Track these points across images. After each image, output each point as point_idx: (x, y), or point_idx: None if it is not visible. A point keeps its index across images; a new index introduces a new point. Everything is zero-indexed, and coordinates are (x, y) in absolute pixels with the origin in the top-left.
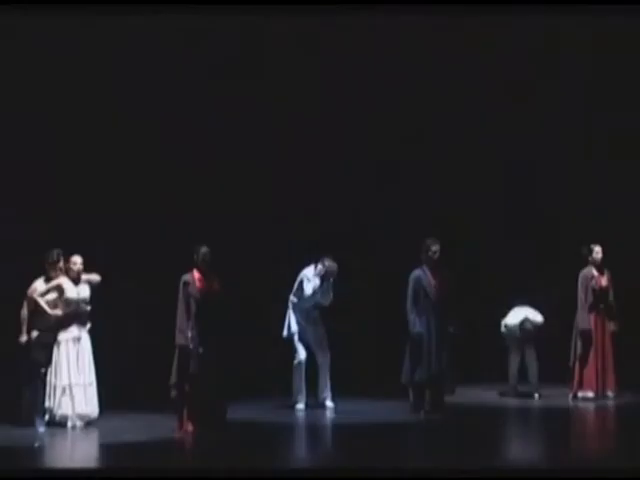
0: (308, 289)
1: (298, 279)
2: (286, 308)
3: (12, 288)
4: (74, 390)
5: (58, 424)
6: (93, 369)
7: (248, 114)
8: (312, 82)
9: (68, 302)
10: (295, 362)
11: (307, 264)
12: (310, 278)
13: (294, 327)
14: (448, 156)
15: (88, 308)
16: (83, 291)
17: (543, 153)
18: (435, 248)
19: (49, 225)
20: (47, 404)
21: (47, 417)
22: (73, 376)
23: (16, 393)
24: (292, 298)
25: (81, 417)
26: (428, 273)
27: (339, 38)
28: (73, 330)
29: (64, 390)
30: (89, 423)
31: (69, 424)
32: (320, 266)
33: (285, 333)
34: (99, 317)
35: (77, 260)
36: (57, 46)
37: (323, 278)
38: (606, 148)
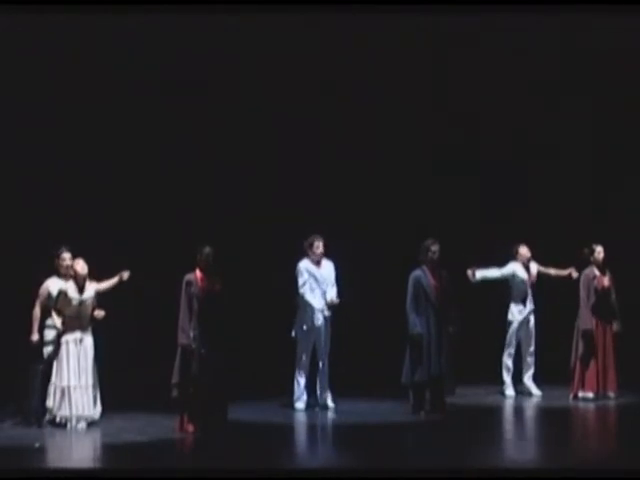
0: (300, 281)
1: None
2: (290, 308)
3: (20, 287)
4: (72, 392)
5: (58, 425)
6: (95, 371)
7: (249, 114)
8: (311, 83)
9: (69, 303)
10: (297, 362)
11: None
12: (302, 271)
13: (304, 326)
14: (448, 155)
15: (93, 310)
16: (87, 292)
17: (543, 152)
18: (435, 248)
19: (54, 224)
20: (48, 404)
21: (48, 417)
22: (73, 378)
23: (22, 392)
24: (300, 292)
25: (80, 418)
26: (428, 273)
27: (337, 36)
28: (75, 331)
29: (63, 391)
30: (90, 424)
31: (69, 425)
32: (309, 250)
33: (293, 333)
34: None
35: (78, 264)
36: (57, 46)
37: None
38: (607, 147)
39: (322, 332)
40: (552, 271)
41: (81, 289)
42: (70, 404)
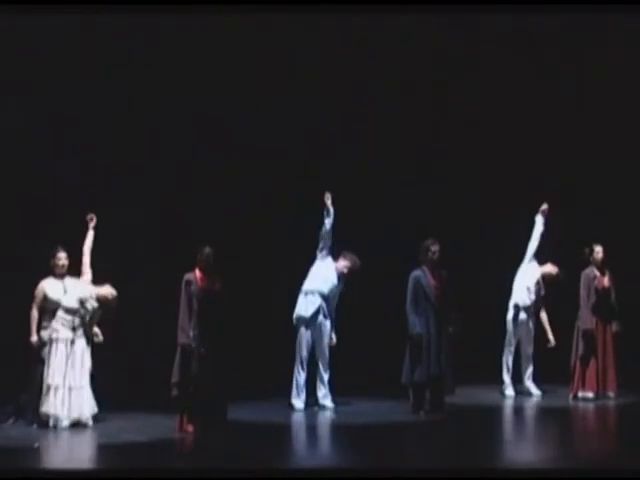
0: (327, 286)
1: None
2: (289, 308)
3: (20, 287)
4: (54, 391)
5: (45, 423)
6: (86, 373)
7: (248, 114)
8: (311, 83)
9: (49, 302)
10: (297, 361)
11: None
12: (330, 274)
13: (309, 310)
14: (448, 155)
15: (82, 311)
16: (73, 292)
17: (543, 152)
18: (435, 248)
19: (54, 224)
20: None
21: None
22: (57, 377)
23: (22, 392)
24: (305, 289)
25: (58, 418)
26: (428, 273)
27: (337, 36)
28: (67, 332)
29: (48, 389)
30: (74, 425)
31: (51, 423)
32: (344, 262)
33: (298, 314)
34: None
35: (61, 256)
36: (57, 46)
37: (341, 274)
38: (607, 147)
39: (323, 332)
40: (545, 319)
41: (65, 287)
42: (50, 403)
